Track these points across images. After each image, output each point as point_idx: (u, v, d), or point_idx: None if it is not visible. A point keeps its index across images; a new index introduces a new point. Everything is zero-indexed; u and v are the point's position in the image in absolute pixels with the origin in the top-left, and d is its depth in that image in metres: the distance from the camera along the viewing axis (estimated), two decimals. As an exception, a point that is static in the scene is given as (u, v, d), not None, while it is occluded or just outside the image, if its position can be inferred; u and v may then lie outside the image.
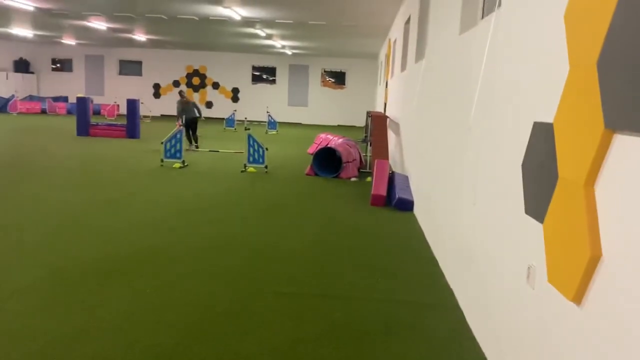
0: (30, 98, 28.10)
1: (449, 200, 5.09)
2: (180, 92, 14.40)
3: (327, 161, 10.84)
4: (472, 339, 3.71)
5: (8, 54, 28.81)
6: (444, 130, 5.63)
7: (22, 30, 22.76)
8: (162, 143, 11.07)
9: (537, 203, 2.64)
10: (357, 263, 5.32)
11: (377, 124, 10.52)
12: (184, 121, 13.02)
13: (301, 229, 6.58)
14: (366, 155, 12.62)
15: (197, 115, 13.89)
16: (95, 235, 5.81)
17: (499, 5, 3.79)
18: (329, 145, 11.66)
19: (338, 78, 29.86)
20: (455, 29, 5.34)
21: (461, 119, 4.71)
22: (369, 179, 10.17)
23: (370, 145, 11.33)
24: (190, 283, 4.52)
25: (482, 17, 4.93)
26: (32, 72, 30.27)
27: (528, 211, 2.77)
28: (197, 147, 13.88)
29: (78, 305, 3.94)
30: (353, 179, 10.40)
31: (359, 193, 9.01)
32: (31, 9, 15.81)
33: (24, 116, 24.13)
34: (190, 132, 13.91)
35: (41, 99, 27.87)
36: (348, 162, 10.63)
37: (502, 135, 3.43)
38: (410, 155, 8.60)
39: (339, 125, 27.90)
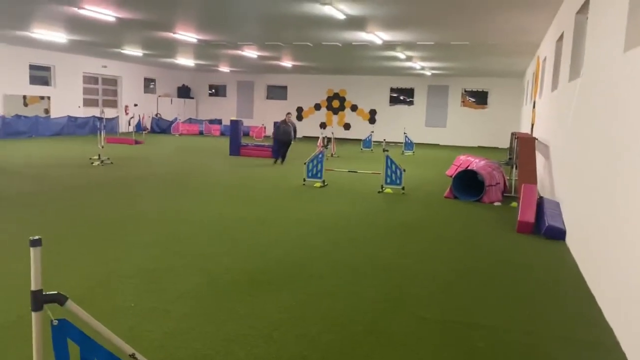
0: (190, 121, 31.19)
1: (610, 231, 4.65)
2: (288, 114, 16.21)
3: (468, 184, 10.51)
4: (639, 386, 3.34)
5: (173, 81, 32.34)
6: (605, 154, 5.19)
7: (185, 60, 25.44)
8: (305, 163, 11.60)
9: None
10: (501, 292, 5.07)
11: (524, 146, 9.98)
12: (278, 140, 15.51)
13: (441, 253, 6.44)
14: (510, 179, 12.01)
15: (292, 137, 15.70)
16: (245, 248, 6.25)
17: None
18: (470, 168, 11.30)
19: (479, 98, 28.90)
20: (619, 46, 4.92)
21: (628, 142, 4.31)
22: (514, 204, 9.65)
23: (516, 168, 10.77)
24: (333, 299, 4.66)
25: (653, 31, 4.49)
26: (192, 97, 33.60)
27: None
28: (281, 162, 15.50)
29: (232, 312, 4.26)
30: (496, 204, 9.94)
31: (503, 219, 8.59)
32: (194, 40, 17.64)
33: (184, 137, 26.80)
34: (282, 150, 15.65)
35: (199, 122, 30.81)
36: (491, 185, 10.21)
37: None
38: (562, 180, 8.01)
39: (479, 147, 26.90)
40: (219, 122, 31.33)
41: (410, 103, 29.90)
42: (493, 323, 4.27)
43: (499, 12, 11.04)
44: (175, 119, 29.37)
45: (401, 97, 30.28)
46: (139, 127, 25.96)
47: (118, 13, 13.12)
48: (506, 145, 22.28)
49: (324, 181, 11.41)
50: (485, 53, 17.85)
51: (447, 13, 11.46)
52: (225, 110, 32.65)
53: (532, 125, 15.30)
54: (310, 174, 11.54)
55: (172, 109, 31.23)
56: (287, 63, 24.49)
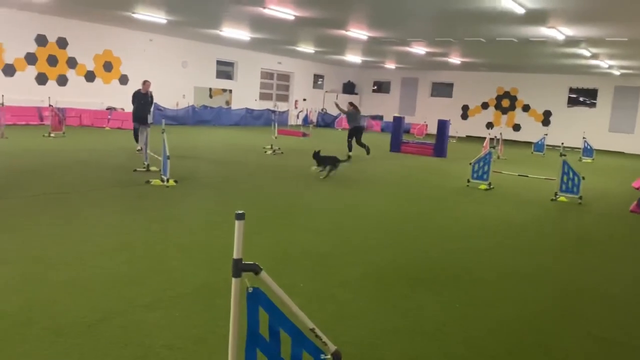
0: (353, 116, 32.01)
1: None
2: (351, 103, 16.08)
3: (661, 198, 9.25)
4: None
5: (339, 77, 33.46)
6: None
7: (353, 57, 26.13)
8: (470, 164, 11.22)
9: None
10: (703, 324, 4.40)
11: None
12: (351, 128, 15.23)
13: (623, 272, 5.79)
14: None
15: (362, 124, 15.51)
16: (407, 244, 6.26)
17: None
18: (664, 180, 9.94)
19: (679, 102, 25.21)
20: None
21: None
22: None
23: None
24: (498, 305, 4.45)
25: None
26: (357, 93, 34.42)
27: None
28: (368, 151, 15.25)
29: (394, 304, 4.31)
30: (696, 223, 8.62)
31: None
32: (364, 37, 18.04)
33: (346, 131, 27.50)
34: (355, 140, 15.34)
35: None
36: (690, 202, 8.87)
37: None
38: None
39: (674, 158, 23.50)
40: (381, 118, 31.66)
41: (592, 105, 27.15)
42: (691, 358, 3.73)
43: None
44: (339, 114, 30.32)
45: (581, 99, 27.65)
46: (306, 121, 27.33)
47: (297, 12, 13.95)
48: None
49: (489, 183, 10.92)
50: (693, 49, 15.51)
51: (648, 4, 10.19)
52: (388, 106, 32.87)
53: None
54: (475, 175, 11.12)
55: (338, 104, 32.30)
56: (456, 59, 23.84)
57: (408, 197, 9.57)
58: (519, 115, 29.02)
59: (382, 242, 6.29)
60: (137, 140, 12.58)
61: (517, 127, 28.95)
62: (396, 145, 18.03)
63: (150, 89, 12.89)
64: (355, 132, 15.38)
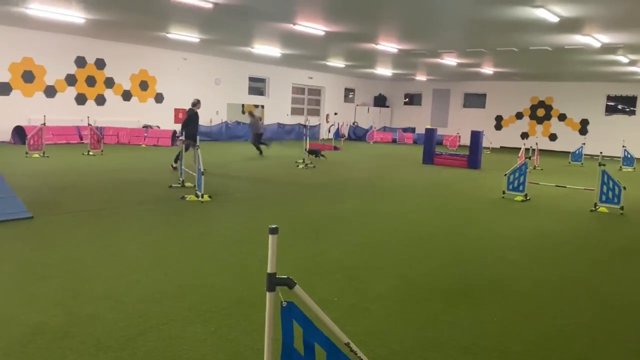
0: (384, 129, 31.94)
1: None
2: (250, 112, 18.45)
3: None
4: None
5: (370, 90, 33.47)
6: None
7: (383, 70, 26.13)
8: (505, 175, 11.02)
9: None
10: None
11: None
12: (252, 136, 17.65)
13: (672, 285, 5.56)
14: None
15: (261, 131, 18.12)
16: (441, 256, 6.17)
17: None
18: None
19: None
20: None
21: None
22: None
23: None
24: (536, 320, 4.34)
25: None
26: (387, 106, 34.35)
27: None
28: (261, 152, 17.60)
29: (430, 319, 4.25)
30: None
31: None
32: (395, 51, 18.04)
33: (378, 144, 27.52)
34: (256, 142, 17.74)
35: (392, 130, 31.37)
36: None
37: None
38: None
39: None
40: (412, 130, 31.47)
41: (632, 112, 26.36)
42: None
43: None
44: (371, 127, 30.32)
45: (620, 106, 26.89)
46: (337, 135, 27.42)
47: (327, 27, 14.06)
48: None
49: (526, 195, 10.69)
50: None
51: (688, 8, 9.88)
52: (419, 118, 32.66)
53: None
54: (510, 187, 10.91)
55: (368, 118, 32.33)
56: (488, 70, 23.57)
57: (442, 209, 9.45)
58: (555, 125, 28.40)
59: (416, 254, 6.22)
60: (177, 160, 12.71)
61: (553, 137, 28.33)
62: (429, 158, 17.86)
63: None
64: (259, 137, 17.87)
